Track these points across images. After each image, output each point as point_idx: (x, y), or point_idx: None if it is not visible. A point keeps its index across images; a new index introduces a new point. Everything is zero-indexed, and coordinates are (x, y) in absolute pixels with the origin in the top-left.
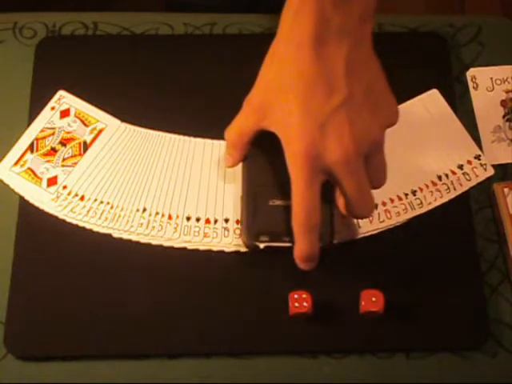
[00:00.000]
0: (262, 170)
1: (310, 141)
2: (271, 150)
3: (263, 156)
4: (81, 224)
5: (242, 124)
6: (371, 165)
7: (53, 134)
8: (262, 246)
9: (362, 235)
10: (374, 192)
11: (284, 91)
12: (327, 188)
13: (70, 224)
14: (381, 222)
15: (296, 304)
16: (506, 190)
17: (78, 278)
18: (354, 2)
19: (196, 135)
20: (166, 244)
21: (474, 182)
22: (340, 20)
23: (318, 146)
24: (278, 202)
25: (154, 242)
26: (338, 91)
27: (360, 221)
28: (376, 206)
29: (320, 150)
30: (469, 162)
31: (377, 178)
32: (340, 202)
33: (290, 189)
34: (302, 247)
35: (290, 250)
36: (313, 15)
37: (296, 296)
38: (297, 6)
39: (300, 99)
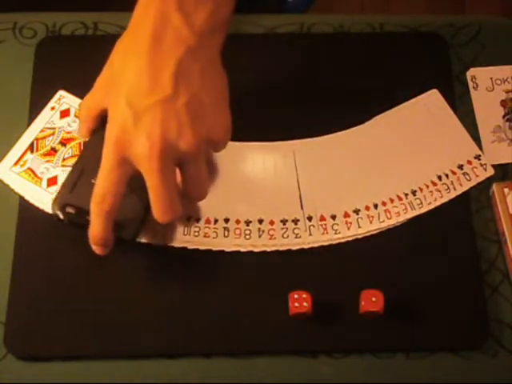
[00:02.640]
0: (99, 148)
1: (122, 128)
2: None
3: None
4: None
5: (92, 98)
6: (185, 174)
7: (53, 133)
8: (62, 216)
9: (362, 235)
10: (375, 191)
11: (121, 76)
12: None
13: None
14: (381, 222)
15: (296, 304)
16: (506, 190)
17: (78, 278)
18: (199, 9)
19: None
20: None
21: (473, 182)
22: (180, 23)
23: (128, 134)
24: None
25: (154, 242)
26: (161, 88)
27: (360, 220)
28: (376, 206)
29: (129, 140)
30: (469, 162)
31: (192, 189)
32: None
33: None
34: (93, 227)
35: (86, 229)
36: (156, 12)
37: (296, 296)
38: (145, 1)
39: (128, 87)
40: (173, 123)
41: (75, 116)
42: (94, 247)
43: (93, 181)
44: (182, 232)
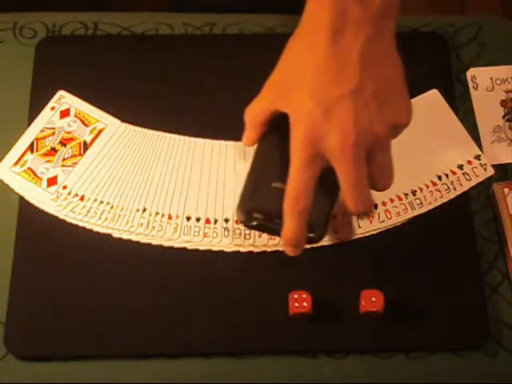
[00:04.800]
0: (273, 151)
1: (313, 124)
2: (286, 133)
3: (277, 138)
4: (81, 224)
5: (259, 103)
6: (373, 163)
7: (53, 133)
8: (251, 223)
9: (362, 235)
10: (373, 193)
11: (298, 74)
12: (335, 185)
13: (69, 224)
14: (381, 222)
15: (296, 304)
16: (506, 190)
17: (78, 278)
18: None
19: (196, 135)
20: (166, 244)
21: (473, 182)
22: (358, 12)
23: (319, 129)
24: (279, 185)
25: (154, 242)
26: (348, 80)
27: (360, 221)
28: (376, 206)
29: (321, 134)
30: (469, 162)
31: (379, 178)
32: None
33: None
34: (288, 229)
35: (277, 233)
36: (332, 5)
37: (296, 296)
38: None
39: (311, 83)
40: (363, 113)
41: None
42: (287, 249)
43: (273, 184)
44: (182, 232)
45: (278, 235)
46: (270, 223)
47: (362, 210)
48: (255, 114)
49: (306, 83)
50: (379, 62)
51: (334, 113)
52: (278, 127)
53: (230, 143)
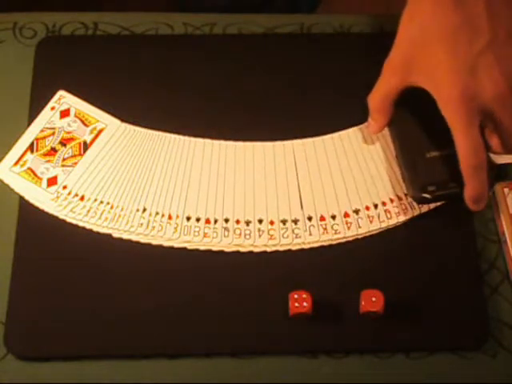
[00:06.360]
0: (409, 127)
1: (464, 84)
2: (412, 107)
3: (406, 115)
4: (81, 224)
5: (385, 87)
6: None
7: (53, 133)
8: (430, 196)
9: (362, 235)
10: (375, 191)
11: (428, 44)
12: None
13: (70, 224)
14: (381, 222)
15: (296, 304)
16: (506, 190)
17: (78, 278)
18: None
19: (196, 135)
20: (166, 244)
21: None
22: None
23: (471, 87)
24: (434, 154)
25: (154, 242)
26: (482, 34)
27: (360, 220)
28: (376, 206)
29: (474, 91)
30: None
31: None
32: (493, 141)
33: (443, 139)
34: (473, 187)
35: (457, 196)
36: None
37: (296, 296)
38: None
39: (446, 47)
40: (505, 59)
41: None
42: (472, 206)
43: (428, 155)
44: (182, 232)
45: (459, 198)
46: (447, 190)
47: None
48: (383, 97)
49: (441, 50)
50: (502, 8)
51: (479, 68)
52: (401, 105)
53: (230, 143)
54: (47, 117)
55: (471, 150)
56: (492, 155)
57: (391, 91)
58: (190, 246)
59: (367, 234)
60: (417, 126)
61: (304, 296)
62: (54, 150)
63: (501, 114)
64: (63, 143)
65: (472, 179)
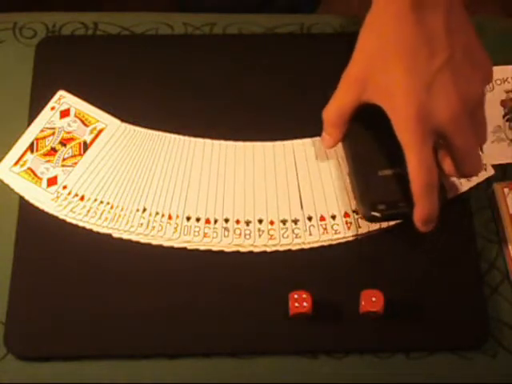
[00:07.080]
0: (363, 144)
1: (419, 103)
2: (367, 123)
3: (360, 131)
4: (81, 224)
5: (341, 102)
6: (475, 121)
7: (53, 133)
8: (379, 214)
9: (362, 235)
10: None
11: (386, 60)
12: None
13: (70, 224)
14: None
15: (296, 304)
16: (506, 190)
17: (78, 278)
18: None
19: (196, 135)
20: (166, 244)
21: (474, 182)
22: None
23: (426, 107)
24: (386, 172)
25: (154, 242)
26: (440, 52)
27: (360, 220)
28: None
29: (429, 111)
30: None
31: (480, 134)
32: (446, 163)
33: (396, 157)
34: (423, 208)
35: (407, 216)
36: None
37: (296, 296)
38: None
39: (404, 64)
40: (461, 79)
41: (76, 121)
42: (421, 228)
43: (380, 173)
44: (182, 232)
45: (408, 217)
46: (396, 209)
47: (477, 172)
48: (338, 112)
49: (399, 66)
50: (460, 28)
51: (435, 87)
52: (356, 120)
53: (230, 143)
54: (47, 117)
55: (423, 170)
56: (456, 180)
57: (347, 107)
58: (189, 246)
59: (367, 234)
60: (371, 142)
61: (304, 296)
62: (53, 150)
63: (453, 136)
64: (63, 143)
65: (422, 199)
